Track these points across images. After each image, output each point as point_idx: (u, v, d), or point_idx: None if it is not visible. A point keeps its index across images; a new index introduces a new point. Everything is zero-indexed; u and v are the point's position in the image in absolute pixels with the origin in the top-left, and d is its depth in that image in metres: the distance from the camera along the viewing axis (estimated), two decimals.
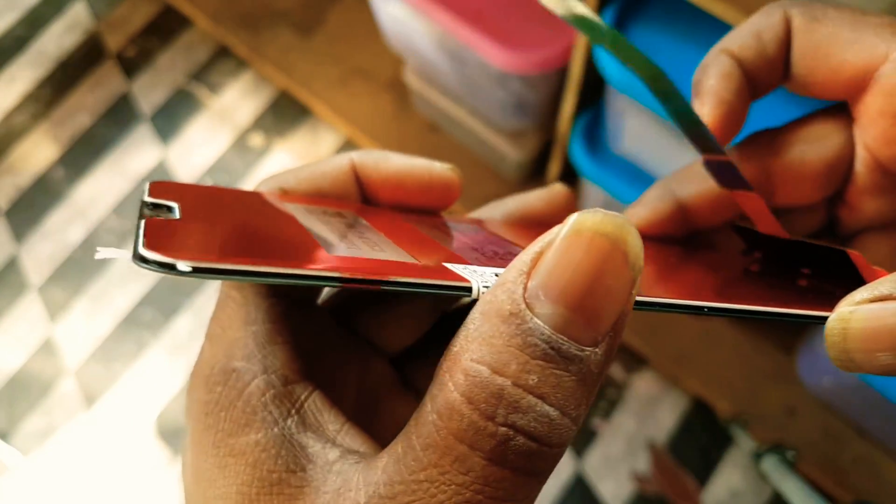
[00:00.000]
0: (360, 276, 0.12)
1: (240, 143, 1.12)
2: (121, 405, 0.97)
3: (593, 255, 0.12)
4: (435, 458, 0.12)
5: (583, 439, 0.92)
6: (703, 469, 0.90)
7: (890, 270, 0.16)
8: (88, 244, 1.07)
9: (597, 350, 0.12)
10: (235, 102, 1.15)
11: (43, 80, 1.19)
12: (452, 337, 0.13)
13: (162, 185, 0.13)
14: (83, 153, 1.13)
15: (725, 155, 0.18)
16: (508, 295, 0.12)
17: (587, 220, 0.12)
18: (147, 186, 0.13)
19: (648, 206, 0.20)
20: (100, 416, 0.97)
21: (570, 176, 0.89)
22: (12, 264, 1.07)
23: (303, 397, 0.15)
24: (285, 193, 0.17)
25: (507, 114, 0.82)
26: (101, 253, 0.11)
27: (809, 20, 0.18)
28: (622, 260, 0.12)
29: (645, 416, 0.92)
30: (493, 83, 0.77)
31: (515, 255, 0.13)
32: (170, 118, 1.15)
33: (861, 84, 0.18)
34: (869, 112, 0.18)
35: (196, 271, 0.10)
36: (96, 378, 0.99)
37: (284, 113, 1.14)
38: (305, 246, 0.13)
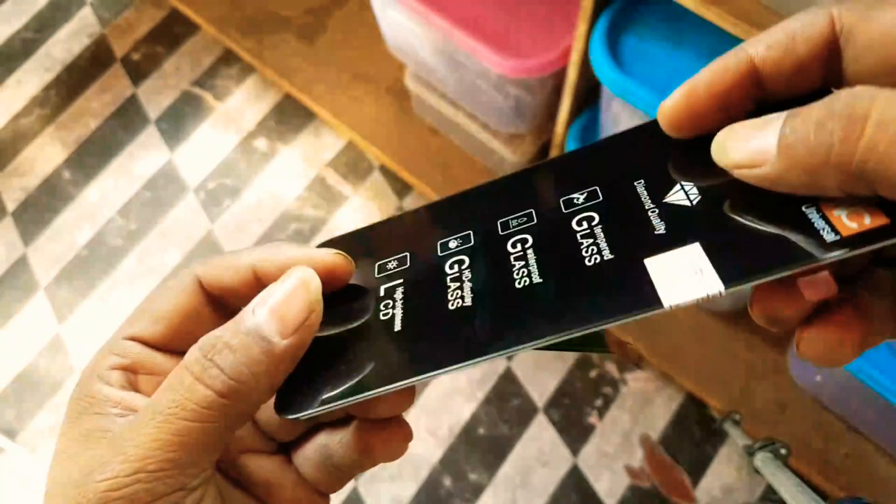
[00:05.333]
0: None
1: (245, 147, 1.14)
2: None
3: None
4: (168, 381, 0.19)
5: (579, 435, 0.93)
6: (697, 464, 0.91)
7: None
8: (95, 245, 1.09)
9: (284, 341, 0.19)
10: (240, 106, 1.16)
11: (50, 84, 1.20)
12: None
13: None
14: (90, 156, 1.15)
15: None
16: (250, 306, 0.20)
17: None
18: None
19: (719, 62, 0.19)
20: None
21: None
22: (20, 264, 1.08)
23: None
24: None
25: (505, 117, 0.83)
26: None
27: (864, 13, 0.17)
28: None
29: (639, 413, 0.93)
30: (491, 87, 0.78)
31: None
32: (175, 122, 1.16)
33: None
34: None
35: None
36: None
37: (288, 117, 1.15)
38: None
